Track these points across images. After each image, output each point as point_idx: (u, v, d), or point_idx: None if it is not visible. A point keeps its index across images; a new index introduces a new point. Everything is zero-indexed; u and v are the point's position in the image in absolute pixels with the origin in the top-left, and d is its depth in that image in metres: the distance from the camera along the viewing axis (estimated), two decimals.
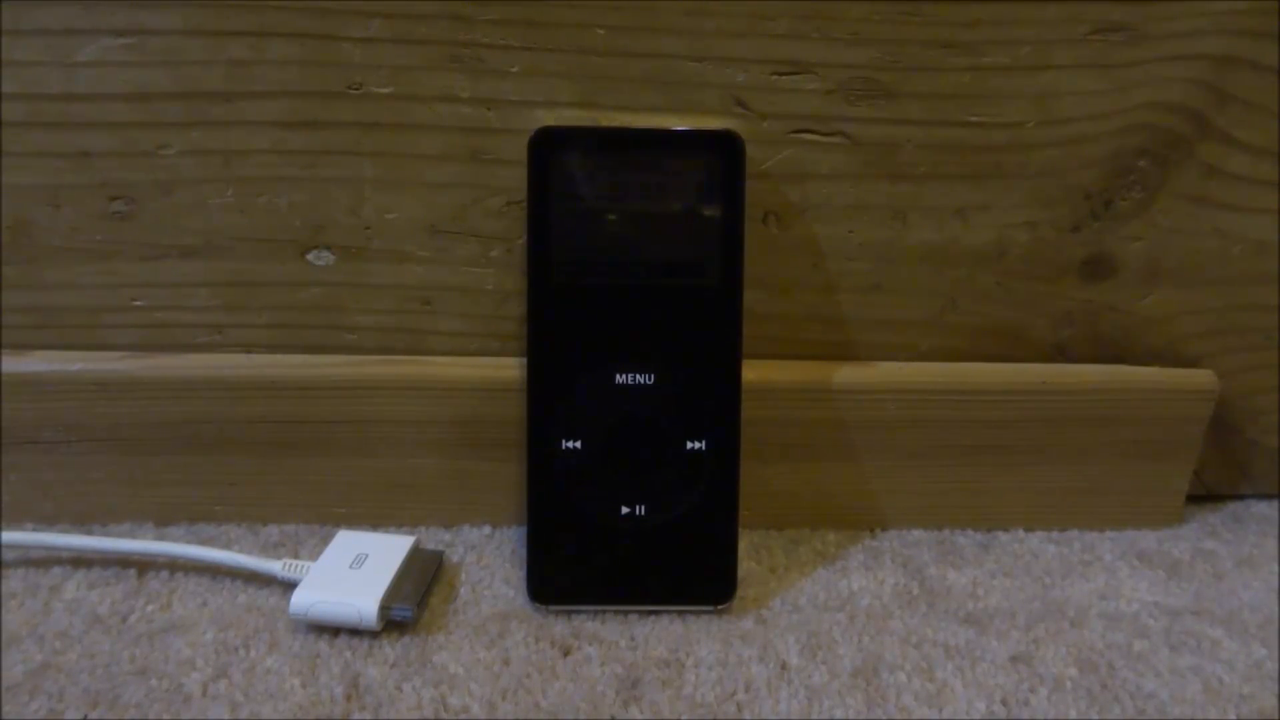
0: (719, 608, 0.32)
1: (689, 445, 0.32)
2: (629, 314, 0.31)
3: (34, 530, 0.35)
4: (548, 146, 0.31)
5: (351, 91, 0.32)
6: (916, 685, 0.30)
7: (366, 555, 0.33)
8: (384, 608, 0.31)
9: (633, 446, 0.31)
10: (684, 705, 0.29)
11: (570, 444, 0.31)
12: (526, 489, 0.32)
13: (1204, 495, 0.39)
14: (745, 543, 0.36)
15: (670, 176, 0.31)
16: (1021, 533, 0.37)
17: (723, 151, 0.31)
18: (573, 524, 0.32)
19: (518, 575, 0.34)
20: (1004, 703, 0.29)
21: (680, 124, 0.32)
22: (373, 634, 0.31)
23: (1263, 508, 0.40)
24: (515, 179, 0.32)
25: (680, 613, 0.32)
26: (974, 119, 0.32)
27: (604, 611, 0.32)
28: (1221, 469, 0.39)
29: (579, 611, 0.32)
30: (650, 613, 0.32)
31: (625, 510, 0.32)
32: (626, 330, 0.31)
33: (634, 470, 0.31)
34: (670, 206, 0.31)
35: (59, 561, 0.34)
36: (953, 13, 0.31)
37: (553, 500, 0.32)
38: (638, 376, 0.31)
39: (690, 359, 0.31)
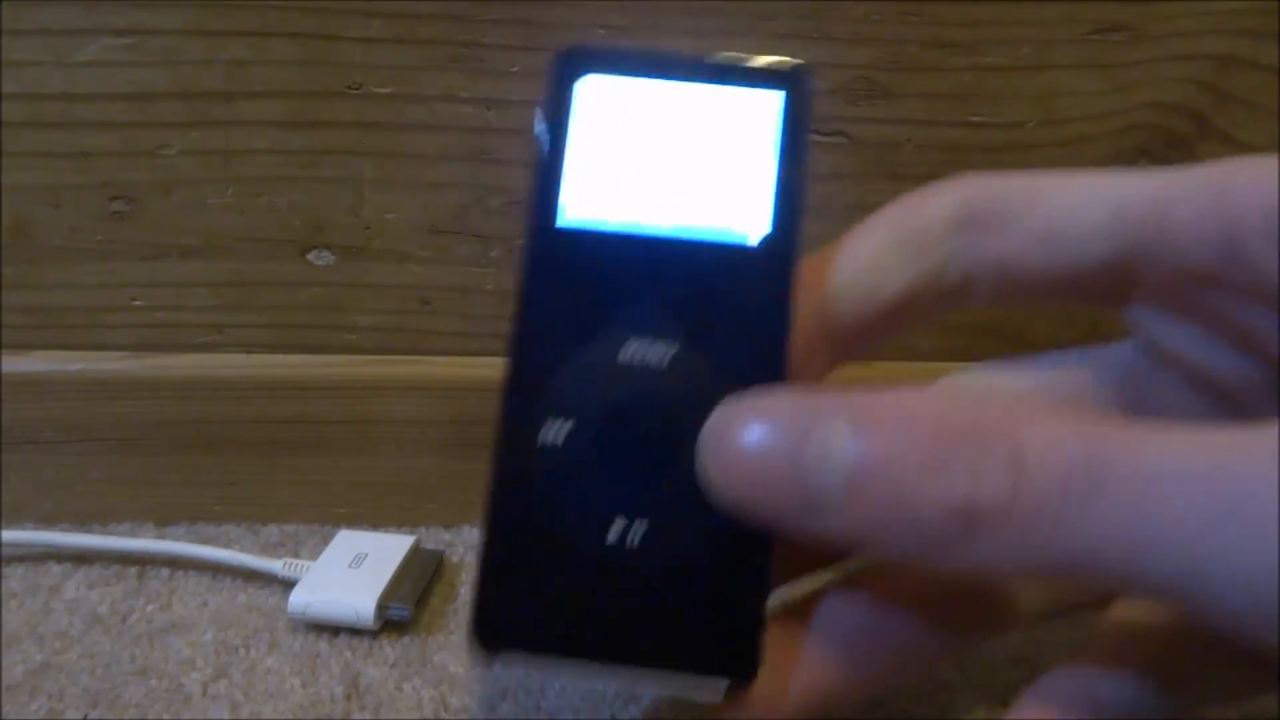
0: (736, 685, 0.21)
1: None
2: (649, 272, 0.24)
3: (34, 530, 0.35)
4: (575, 67, 0.25)
5: (351, 91, 0.32)
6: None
7: (366, 555, 0.33)
8: (381, 606, 0.31)
9: (635, 445, 0.23)
10: (684, 705, 0.29)
11: (552, 435, 0.24)
12: (488, 490, 0.24)
13: None
14: None
15: (722, 114, 0.25)
16: None
17: (789, 88, 0.24)
18: (545, 542, 0.23)
19: None
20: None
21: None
22: (373, 634, 0.31)
23: None
24: (515, 179, 0.32)
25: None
26: (974, 119, 0.32)
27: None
28: None
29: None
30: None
31: (619, 528, 0.23)
32: (643, 293, 0.24)
33: (634, 477, 0.23)
34: (718, 150, 0.24)
35: (59, 561, 0.34)
36: (953, 13, 0.31)
37: (522, 508, 0.24)
38: (650, 354, 0.23)
39: (722, 338, 0.24)
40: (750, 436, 0.20)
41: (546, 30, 0.31)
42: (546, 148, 0.24)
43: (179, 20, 0.31)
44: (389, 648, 0.31)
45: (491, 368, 0.35)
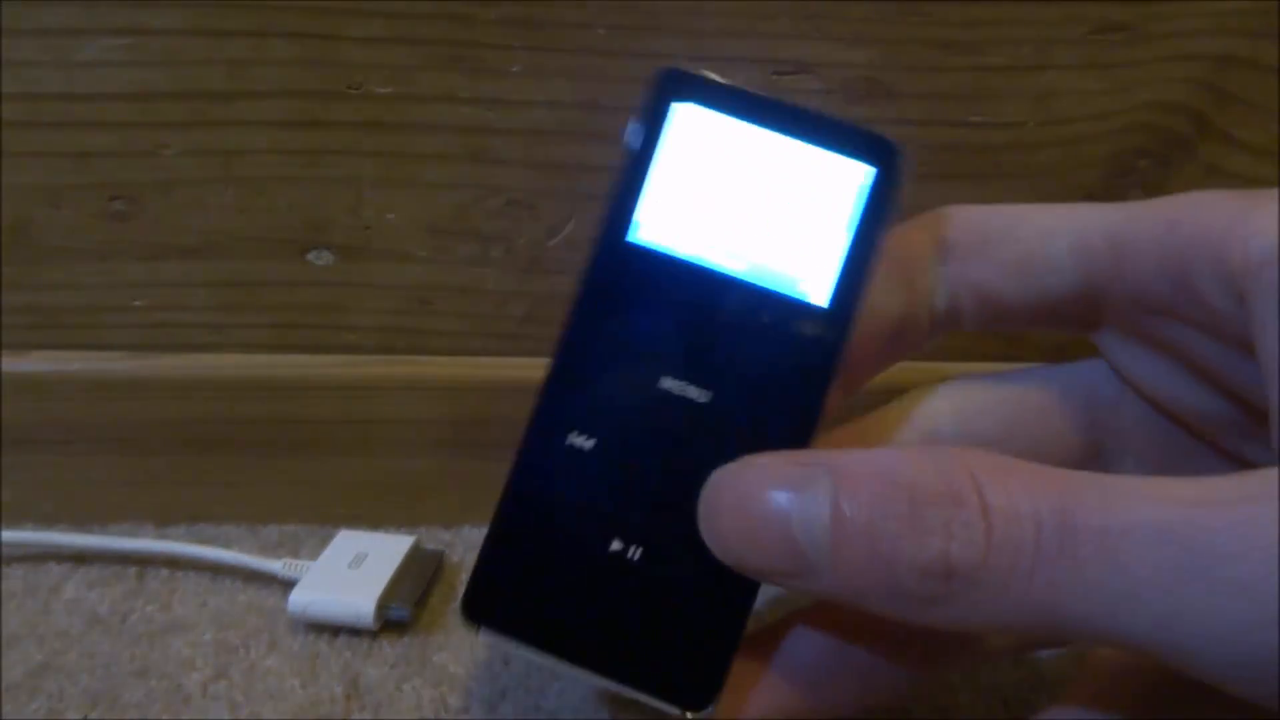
0: (691, 716, 0.23)
1: None
2: (706, 307, 0.24)
3: (34, 530, 0.35)
4: (674, 90, 0.24)
5: (351, 91, 0.32)
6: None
7: (366, 555, 0.33)
8: (381, 607, 0.31)
9: (655, 471, 0.24)
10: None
11: (580, 441, 0.24)
12: (508, 478, 0.25)
13: None
14: None
15: (809, 172, 0.25)
16: None
17: (881, 165, 0.24)
18: (546, 541, 0.24)
19: None
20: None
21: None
22: (373, 634, 0.31)
23: None
24: (515, 179, 0.32)
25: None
26: (974, 119, 0.32)
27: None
28: None
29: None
30: None
31: (616, 546, 0.24)
32: (697, 326, 0.24)
33: (646, 500, 0.24)
34: (798, 205, 0.24)
35: (59, 561, 0.34)
36: (953, 13, 0.31)
37: (534, 503, 0.24)
38: (691, 389, 0.24)
39: (761, 390, 0.24)
40: (742, 501, 0.21)
41: (546, 30, 0.31)
42: (632, 162, 0.25)
43: (179, 20, 0.31)
44: (389, 648, 0.31)
45: (491, 368, 0.35)
